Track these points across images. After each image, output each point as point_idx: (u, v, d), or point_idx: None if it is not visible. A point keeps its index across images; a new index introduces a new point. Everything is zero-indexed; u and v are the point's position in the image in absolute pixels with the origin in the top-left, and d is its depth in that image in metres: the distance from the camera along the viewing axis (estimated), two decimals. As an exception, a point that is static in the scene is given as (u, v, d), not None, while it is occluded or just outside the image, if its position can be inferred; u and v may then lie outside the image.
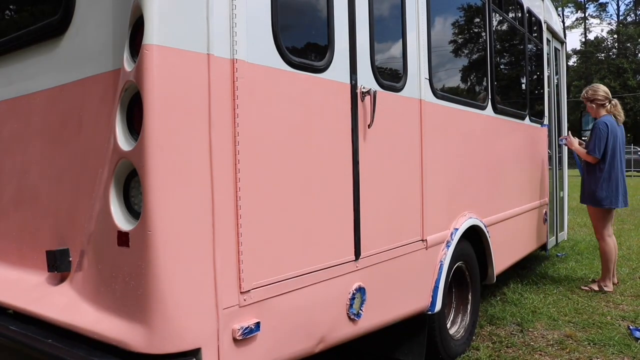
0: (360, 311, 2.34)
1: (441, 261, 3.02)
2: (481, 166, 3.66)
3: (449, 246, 3.08)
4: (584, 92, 4.99)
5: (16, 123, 2.27)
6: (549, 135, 5.47)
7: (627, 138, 38.67)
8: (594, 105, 4.84)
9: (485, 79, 3.85)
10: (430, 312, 2.91)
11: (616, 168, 4.64)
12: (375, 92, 2.40)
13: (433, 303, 2.91)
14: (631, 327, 3.74)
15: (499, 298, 4.57)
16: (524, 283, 5.05)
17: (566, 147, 5.79)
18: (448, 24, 3.44)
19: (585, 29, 53.41)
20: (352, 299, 2.29)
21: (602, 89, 4.87)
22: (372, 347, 3.01)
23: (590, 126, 6.07)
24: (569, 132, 5.26)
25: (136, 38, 1.60)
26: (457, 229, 3.18)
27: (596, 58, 47.45)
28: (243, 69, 1.79)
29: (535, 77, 5.18)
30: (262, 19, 1.90)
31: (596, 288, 4.75)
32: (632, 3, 49.62)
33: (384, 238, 2.54)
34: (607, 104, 4.80)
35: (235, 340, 1.75)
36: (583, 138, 6.31)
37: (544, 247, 5.31)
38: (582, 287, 4.83)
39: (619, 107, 4.86)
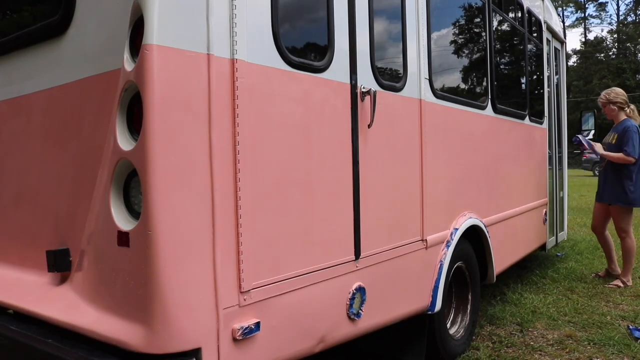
0: (360, 311, 2.34)
1: (441, 261, 3.02)
2: (481, 166, 3.66)
3: (448, 246, 3.08)
4: (604, 94, 5.01)
5: (16, 123, 2.27)
6: (549, 135, 5.48)
7: (627, 138, 38.55)
8: (615, 108, 4.93)
9: (485, 78, 3.85)
10: (430, 312, 2.91)
11: None
12: (375, 92, 2.40)
13: (433, 303, 2.92)
14: (631, 327, 3.74)
15: (499, 298, 4.58)
16: (524, 283, 5.05)
17: (566, 147, 5.79)
18: (448, 24, 3.44)
19: (585, 29, 53.46)
20: (352, 298, 2.29)
21: (622, 92, 4.97)
22: (372, 347, 3.01)
23: (589, 125, 6.11)
24: (590, 139, 5.22)
25: (136, 38, 1.60)
26: (457, 229, 3.18)
27: (596, 58, 47.46)
28: (243, 69, 1.79)
29: (535, 77, 5.19)
30: (262, 19, 1.90)
31: (620, 284, 4.88)
32: (632, 3, 49.66)
33: (383, 238, 2.54)
34: (626, 107, 4.90)
35: (235, 340, 1.75)
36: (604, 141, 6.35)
37: (543, 247, 5.31)
38: (608, 285, 4.90)
39: (636, 111, 4.97)
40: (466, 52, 3.75)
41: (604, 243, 5.32)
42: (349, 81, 2.30)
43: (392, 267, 2.60)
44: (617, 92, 4.95)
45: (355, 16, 2.33)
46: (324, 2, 2.17)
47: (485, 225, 3.57)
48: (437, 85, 3.05)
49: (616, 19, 51.14)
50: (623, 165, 4.77)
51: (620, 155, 4.77)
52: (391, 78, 2.64)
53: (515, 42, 4.64)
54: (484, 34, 3.84)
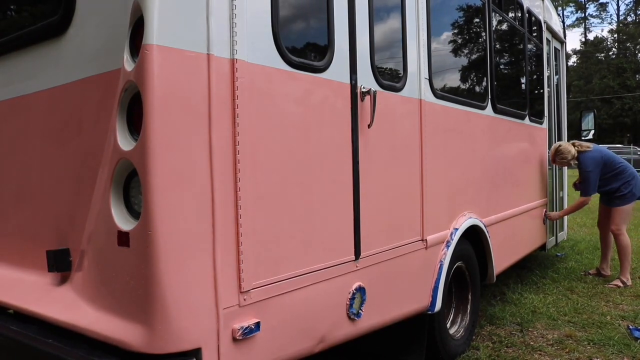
0: (360, 311, 2.34)
1: (441, 261, 3.02)
2: (481, 166, 3.66)
3: (448, 246, 3.08)
4: (558, 158, 5.15)
5: (16, 123, 2.27)
6: (549, 135, 5.48)
7: (627, 138, 38.61)
8: (572, 162, 5.14)
9: (485, 78, 3.85)
10: (430, 312, 2.91)
11: (628, 168, 5.04)
12: (375, 92, 2.40)
13: (433, 303, 2.92)
14: (631, 327, 3.74)
15: (499, 298, 4.58)
16: (524, 283, 5.05)
17: None
18: (448, 23, 3.44)
19: (585, 28, 53.52)
20: (352, 298, 2.29)
21: (565, 149, 5.11)
22: (372, 347, 3.01)
23: (589, 125, 6.16)
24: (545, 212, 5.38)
25: (136, 38, 1.60)
26: (457, 229, 3.18)
27: (596, 58, 47.47)
28: (243, 69, 1.79)
29: (535, 77, 5.19)
30: (262, 19, 1.90)
31: (620, 284, 4.91)
32: (632, 3, 49.67)
33: (383, 238, 2.54)
34: (573, 152, 5.07)
35: (235, 340, 1.75)
36: (583, 137, 6.33)
37: (543, 247, 5.31)
38: (607, 285, 4.93)
39: (580, 143, 5.17)
40: (466, 52, 3.75)
41: (604, 240, 5.37)
42: (349, 81, 2.30)
43: (392, 267, 2.60)
44: (563, 150, 5.08)
45: (355, 16, 2.33)
46: (324, 2, 2.17)
47: (485, 225, 3.57)
48: (437, 85, 3.05)
49: (616, 19, 51.19)
50: (605, 180, 4.98)
51: (581, 200, 5.08)
52: (391, 78, 2.64)
53: (515, 42, 4.64)
54: (483, 34, 3.84)
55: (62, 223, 2.03)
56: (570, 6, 52.96)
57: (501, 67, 4.37)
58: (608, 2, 61.59)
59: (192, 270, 1.64)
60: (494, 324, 3.90)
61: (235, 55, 1.76)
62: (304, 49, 2.16)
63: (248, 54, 1.82)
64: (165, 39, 1.57)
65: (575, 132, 6.61)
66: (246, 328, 1.78)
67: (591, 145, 5.12)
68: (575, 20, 56.33)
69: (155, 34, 1.55)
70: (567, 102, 6.89)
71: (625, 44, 47.08)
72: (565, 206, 6.17)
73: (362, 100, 2.37)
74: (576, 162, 5.10)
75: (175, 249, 1.59)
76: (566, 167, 6.08)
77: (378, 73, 2.49)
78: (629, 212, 5.04)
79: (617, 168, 4.97)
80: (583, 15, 53.75)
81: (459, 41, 3.62)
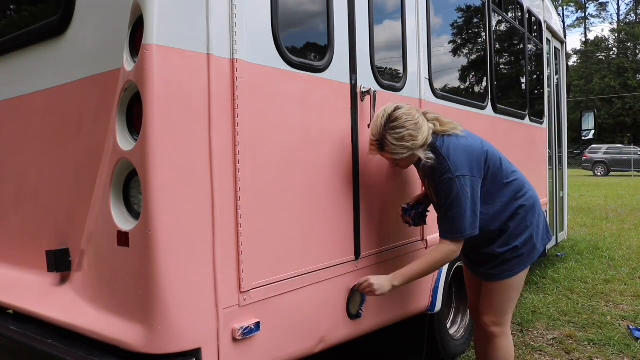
0: (360, 311, 2.34)
1: (441, 261, 3.01)
2: (481, 166, 3.65)
3: (449, 246, 3.07)
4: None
5: (16, 123, 2.27)
6: (549, 135, 5.47)
7: (627, 138, 38.55)
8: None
9: (485, 78, 3.85)
10: (430, 312, 2.91)
11: None
12: (375, 92, 2.40)
13: (433, 303, 2.91)
14: (631, 327, 3.74)
15: (499, 298, 4.57)
16: (524, 283, 5.05)
17: (566, 147, 5.77)
18: (448, 24, 3.44)
19: (585, 28, 53.54)
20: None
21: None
22: (372, 347, 3.01)
23: (589, 125, 6.11)
24: None
25: (136, 38, 1.60)
26: (457, 229, 3.16)
27: (596, 58, 47.48)
28: (243, 69, 1.79)
29: (535, 77, 5.18)
30: (262, 19, 1.90)
31: None
32: (632, 3, 49.69)
33: (384, 238, 2.54)
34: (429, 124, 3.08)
35: (235, 340, 1.75)
36: (583, 137, 6.28)
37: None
38: None
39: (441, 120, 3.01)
40: (466, 52, 3.75)
41: None
42: (349, 81, 2.30)
43: (392, 267, 2.59)
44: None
45: (355, 16, 2.33)
46: (324, 2, 2.17)
47: (485, 225, 3.55)
48: (437, 85, 3.05)
49: (616, 19, 51.22)
50: None
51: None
52: (391, 78, 2.64)
53: (515, 42, 4.64)
54: (484, 33, 3.83)
55: (62, 223, 2.03)
56: (570, 6, 52.99)
57: (501, 67, 4.37)
58: (608, 2, 61.62)
59: (192, 270, 1.64)
60: (494, 324, 3.89)
61: (235, 55, 1.76)
62: (304, 49, 2.16)
63: (248, 54, 1.82)
64: (165, 39, 1.57)
65: (575, 132, 6.60)
66: (246, 328, 1.78)
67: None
68: (575, 20, 56.31)
69: (155, 34, 1.55)
70: (568, 102, 6.88)
71: (626, 44, 47.10)
72: (566, 207, 6.16)
73: (362, 100, 2.37)
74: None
75: (175, 249, 1.59)
76: (566, 167, 6.08)
77: (378, 73, 2.49)
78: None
79: None
80: (583, 15, 53.78)
81: (459, 41, 3.62)
